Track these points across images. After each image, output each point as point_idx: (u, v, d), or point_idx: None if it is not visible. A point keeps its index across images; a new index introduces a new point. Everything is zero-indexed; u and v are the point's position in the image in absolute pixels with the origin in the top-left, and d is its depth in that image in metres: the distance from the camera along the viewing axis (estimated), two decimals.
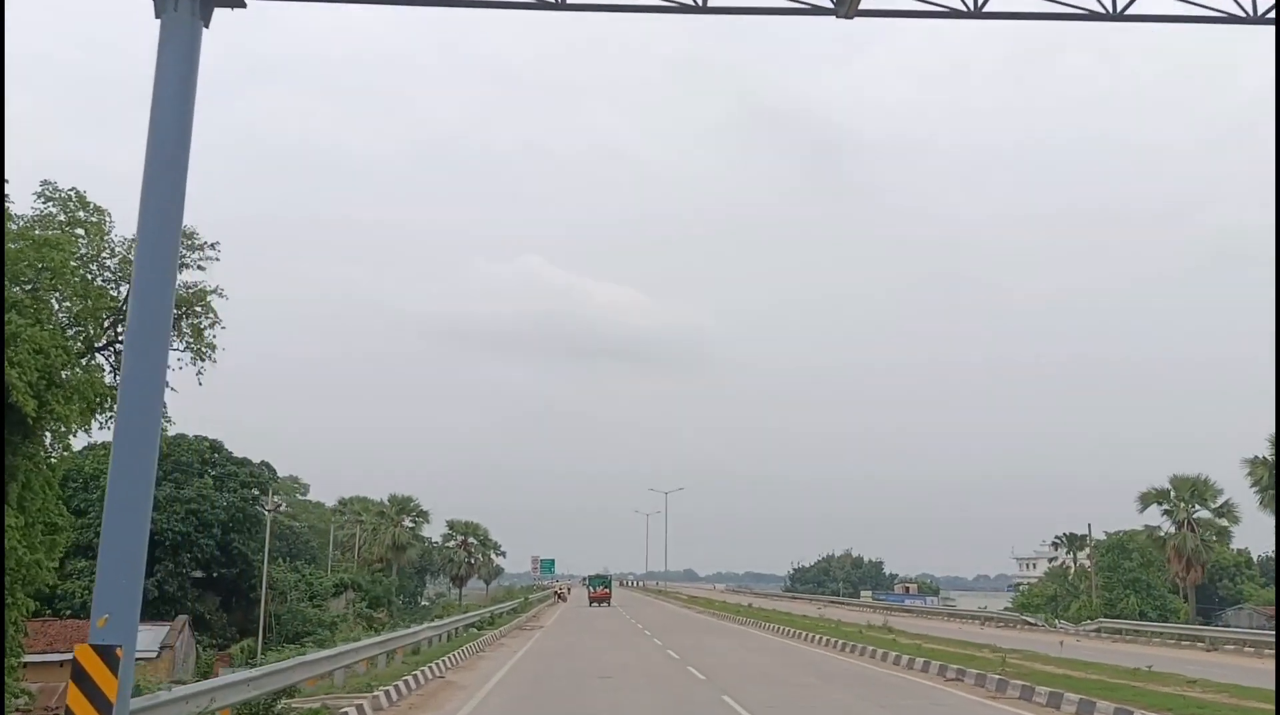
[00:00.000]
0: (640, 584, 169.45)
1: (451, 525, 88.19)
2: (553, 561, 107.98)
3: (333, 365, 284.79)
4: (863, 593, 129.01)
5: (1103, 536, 64.87)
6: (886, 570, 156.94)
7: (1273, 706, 15.29)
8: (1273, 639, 32.77)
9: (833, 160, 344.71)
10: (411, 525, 67.81)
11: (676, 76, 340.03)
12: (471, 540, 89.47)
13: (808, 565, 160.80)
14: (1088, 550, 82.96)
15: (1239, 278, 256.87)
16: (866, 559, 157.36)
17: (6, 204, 14.42)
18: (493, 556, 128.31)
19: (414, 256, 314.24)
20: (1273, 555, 54.19)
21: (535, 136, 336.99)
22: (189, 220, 11.68)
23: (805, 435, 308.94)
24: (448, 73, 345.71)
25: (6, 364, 11.84)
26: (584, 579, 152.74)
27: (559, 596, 78.17)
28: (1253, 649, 33.98)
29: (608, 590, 76.32)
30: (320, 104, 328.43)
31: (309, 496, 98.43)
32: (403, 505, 67.33)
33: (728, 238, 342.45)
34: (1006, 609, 70.12)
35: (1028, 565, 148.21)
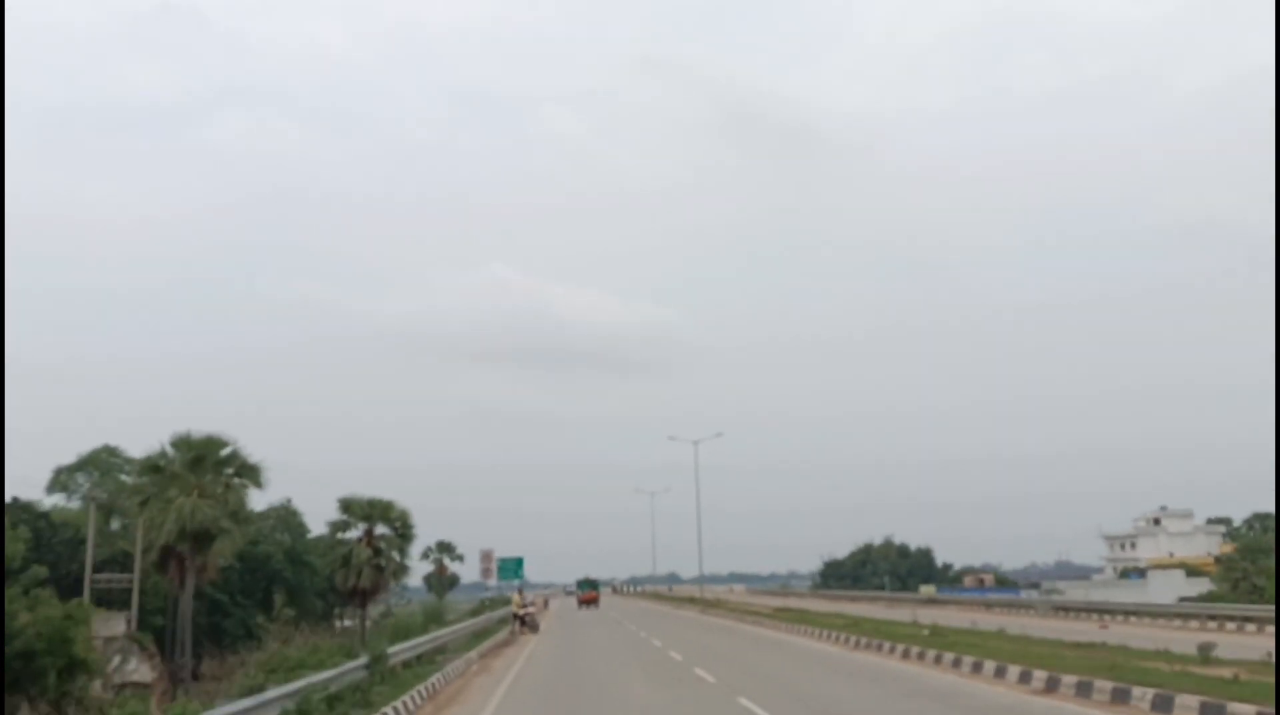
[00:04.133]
0: (635, 589, 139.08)
1: (347, 506, 54.44)
2: (520, 561, 74.11)
3: (303, 381, 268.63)
4: (922, 587, 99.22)
5: None
6: (937, 560, 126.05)
7: None
8: None
9: (804, 157, 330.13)
10: (222, 489, 34.51)
11: (642, 79, 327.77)
12: (381, 530, 55.22)
13: (840, 556, 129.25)
14: None
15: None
16: (913, 547, 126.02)
17: None
18: (446, 561, 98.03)
19: (380, 270, 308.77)
20: None
21: (502, 147, 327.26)
22: None
23: (792, 425, 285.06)
24: (414, 93, 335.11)
25: None
26: (565, 587, 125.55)
27: (521, 621, 44.83)
28: None
29: (596, 593, 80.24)
30: (285, 124, 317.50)
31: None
32: (200, 453, 34.14)
33: (697, 236, 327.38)
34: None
35: (1123, 545, 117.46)
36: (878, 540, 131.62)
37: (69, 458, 59.41)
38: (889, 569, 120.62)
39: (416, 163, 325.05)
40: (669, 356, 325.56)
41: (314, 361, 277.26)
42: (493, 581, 75.63)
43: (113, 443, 61.44)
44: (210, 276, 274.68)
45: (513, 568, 73.69)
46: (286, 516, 70.34)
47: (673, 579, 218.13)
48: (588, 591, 78.85)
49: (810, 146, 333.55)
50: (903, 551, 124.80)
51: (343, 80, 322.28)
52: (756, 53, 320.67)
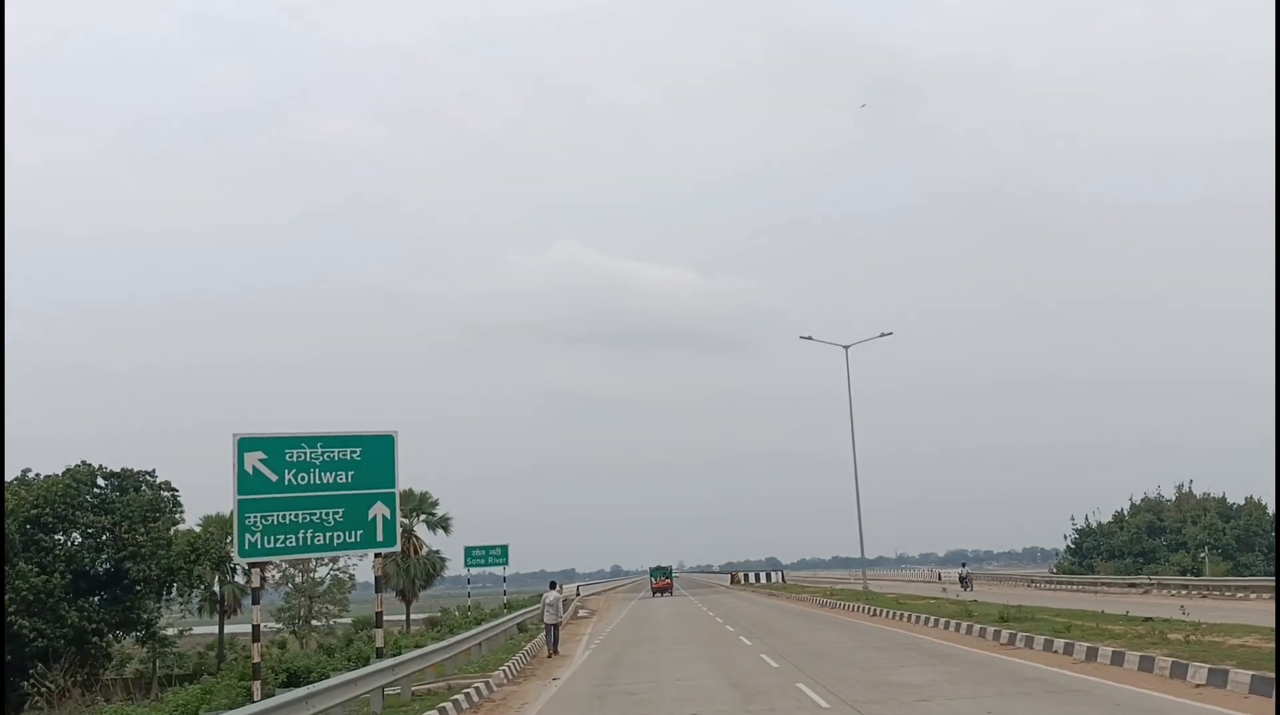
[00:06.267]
0: (760, 576, 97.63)
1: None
2: (504, 550, 46.01)
3: (376, 365, 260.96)
4: None
5: None
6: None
7: None
8: None
9: (888, 98, 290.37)
10: None
11: (699, 22, 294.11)
12: None
13: (1102, 520, 78.68)
14: None
15: None
16: (1231, 501, 74.80)
17: None
18: (419, 535, 60.25)
19: (449, 254, 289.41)
20: None
21: (568, 125, 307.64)
22: None
23: (894, 404, 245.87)
24: (480, 82, 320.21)
25: None
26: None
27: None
28: None
29: (669, 581, 78.57)
30: (356, 121, 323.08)
31: None
32: None
33: (774, 198, 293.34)
34: None
35: None
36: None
37: None
38: (1203, 537, 70.32)
39: (486, 149, 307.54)
40: (755, 330, 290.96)
41: (387, 348, 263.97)
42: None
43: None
44: (285, 271, 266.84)
45: (482, 556, 46.04)
46: None
47: (772, 563, 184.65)
48: (660, 579, 77.84)
49: (899, 95, 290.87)
50: (1225, 510, 73.35)
51: (411, 75, 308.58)
52: None
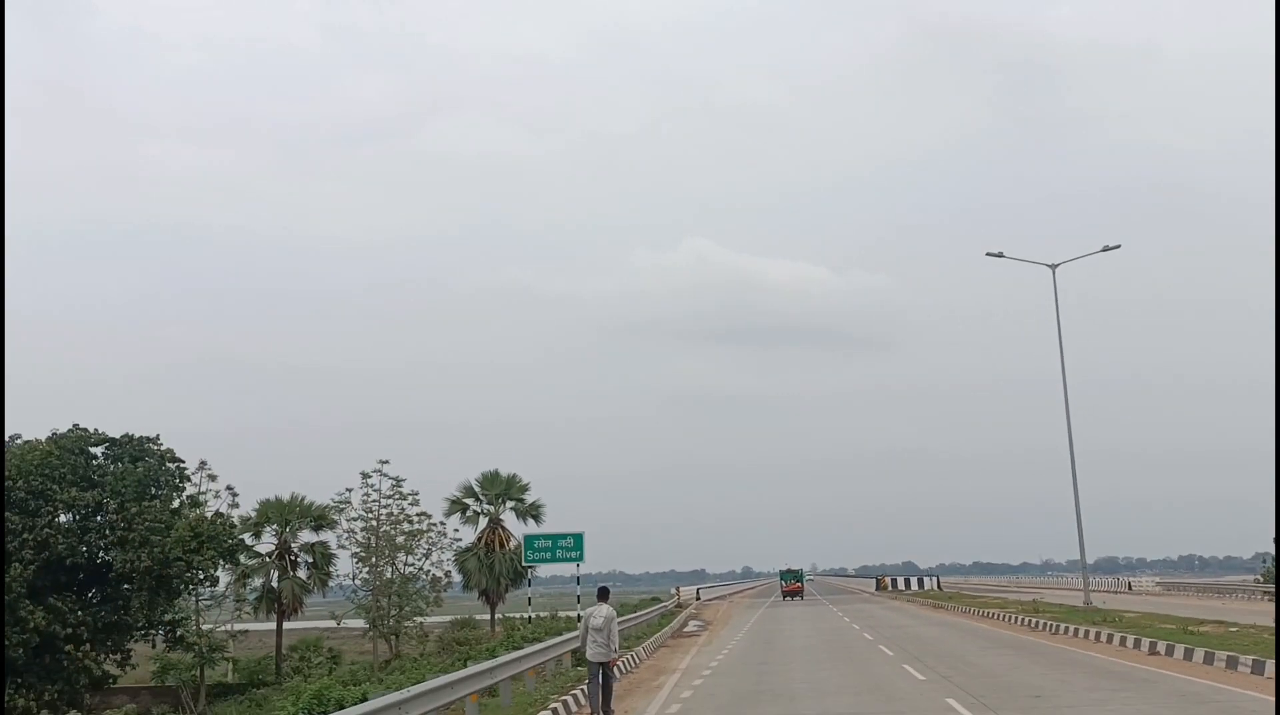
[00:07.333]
0: (909, 582, 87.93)
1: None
2: (578, 539, 34.64)
3: (504, 364, 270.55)
4: None
5: None
6: None
7: None
8: None
9: (1029, 85, 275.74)
10: None
11: (829, 15, 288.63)
12: None
13: None
14: None
15: None
16: None
17: None
18: (506, 524, 51.51)
19: (581, 254, 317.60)
20: None
21: (688, 124, 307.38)
22: None
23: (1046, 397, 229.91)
24: (612, 85, 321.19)
25: None
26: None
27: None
28: None
29: (800, 584, 75.19)
30: (491, 128, 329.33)
31: None
32: None
33: (907, 191, 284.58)
34: None
35: None
36: None
37: None
38: None
39: (616, 150, 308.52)
40: (887, 326, 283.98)
41: (515, 347, 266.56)
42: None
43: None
44: (420, 272, 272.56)
45: (548, 549, 34.31)
46: None
47: (909, 568, 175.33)
48: (791, 582, 74.04)
49: (1039, 82, 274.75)
50: None
51: (543, 80, 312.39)
52: None
